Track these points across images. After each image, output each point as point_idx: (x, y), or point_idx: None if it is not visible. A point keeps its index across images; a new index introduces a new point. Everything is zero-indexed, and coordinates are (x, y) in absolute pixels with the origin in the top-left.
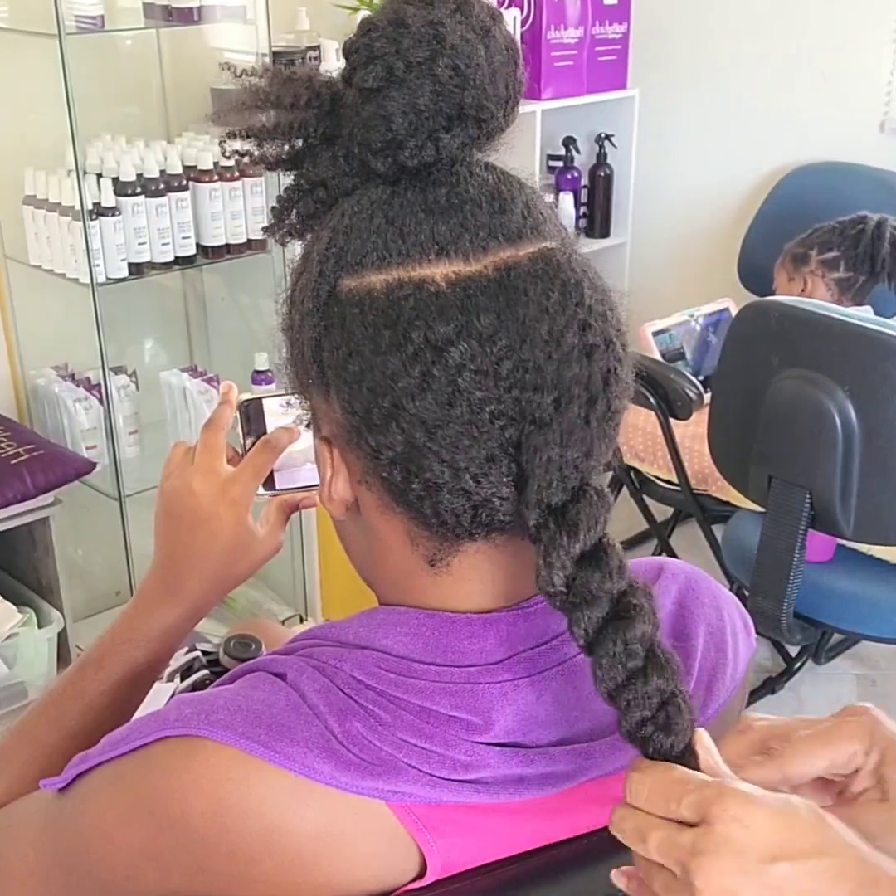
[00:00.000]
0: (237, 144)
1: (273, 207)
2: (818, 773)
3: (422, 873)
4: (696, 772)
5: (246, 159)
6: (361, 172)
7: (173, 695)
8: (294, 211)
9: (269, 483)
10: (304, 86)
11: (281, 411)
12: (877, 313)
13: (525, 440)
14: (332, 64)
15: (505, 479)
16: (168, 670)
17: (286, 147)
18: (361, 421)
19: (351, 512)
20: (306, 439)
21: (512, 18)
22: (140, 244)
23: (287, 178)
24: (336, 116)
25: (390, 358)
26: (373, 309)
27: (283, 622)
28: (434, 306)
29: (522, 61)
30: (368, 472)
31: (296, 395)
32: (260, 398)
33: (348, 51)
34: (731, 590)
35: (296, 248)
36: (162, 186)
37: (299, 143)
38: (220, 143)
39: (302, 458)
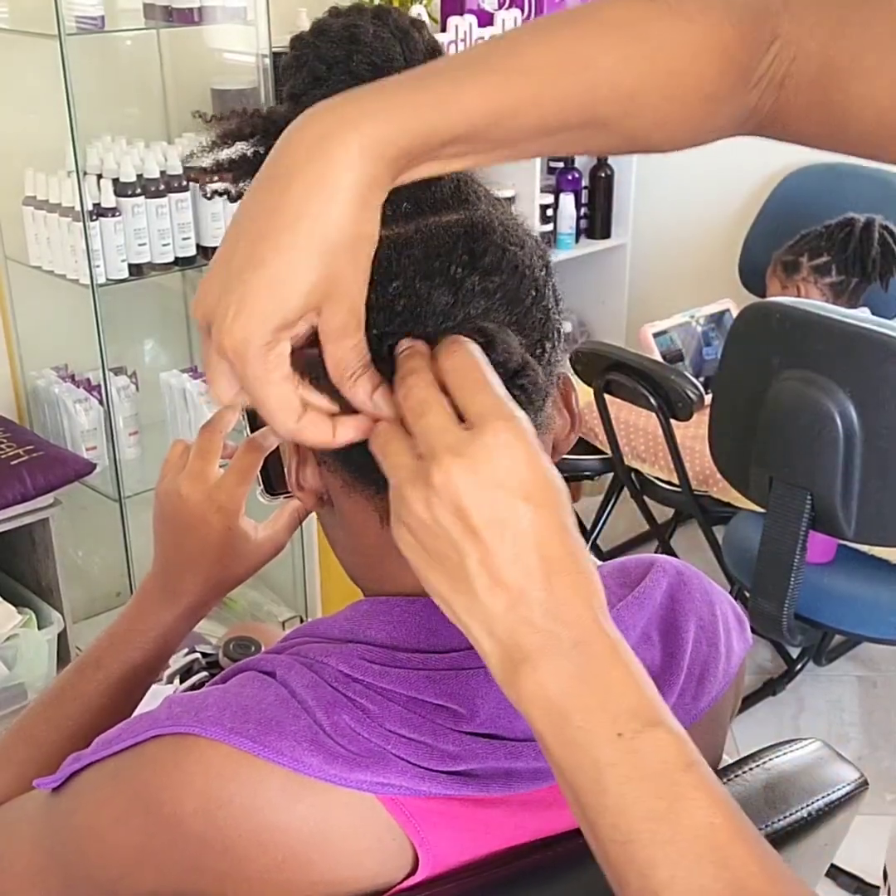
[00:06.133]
0: (217, 185)
1: None
2: None
3: (415, 869)
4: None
5: (224, 196)
6: None
7: None
8: None
9: (280, 485)
10: (260, 117)
11: None
12: (876, 315)
13: None
14: None
15: None
16: (167, 672)
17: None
18: None
19: (327, 505)
20: None
21: (513, 19)
22: (140, 245)
23: None
24: None
25: None
26: None
27: (283, 623)
28: None
29: None
30: (324, 452)
31: None
32: None
33: (283, 69)
34: (731, 591)
35: None
36: (162, 187)
37: None
38: (200, 189)
39: None
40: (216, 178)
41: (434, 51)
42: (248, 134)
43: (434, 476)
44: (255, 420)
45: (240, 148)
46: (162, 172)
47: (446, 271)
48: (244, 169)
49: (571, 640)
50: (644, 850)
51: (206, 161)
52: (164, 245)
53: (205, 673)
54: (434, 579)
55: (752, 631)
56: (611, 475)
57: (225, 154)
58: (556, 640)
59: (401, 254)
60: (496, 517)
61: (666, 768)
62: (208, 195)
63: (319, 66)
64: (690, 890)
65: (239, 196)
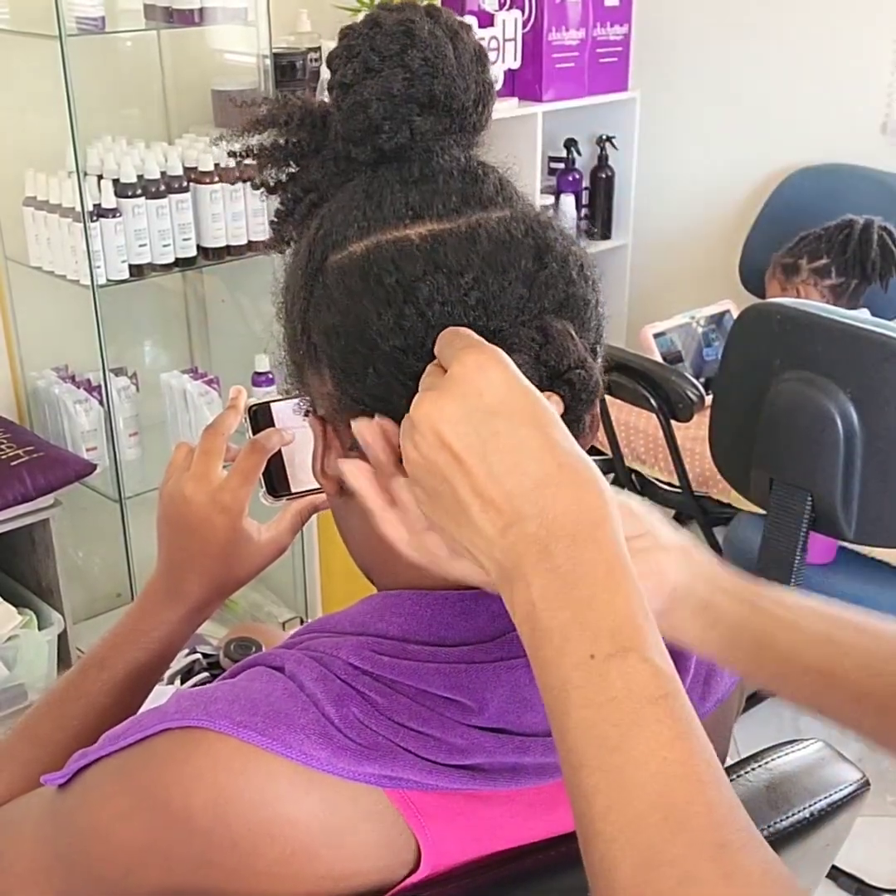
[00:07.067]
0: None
1: (272, 222)
2: None
3: (417, 866)
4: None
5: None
6: (348, 169)
7: None
8: (290, 221)
9: (283, 487)
10: (297, 107)
11: (290, 415)
12: (876, 315)
13: None
14: None
15: None
16: (168, 672)
17: (284, 171)
18: (343, 374)
19: (347, 494)
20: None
21: (513, 20)
22: (141, 246)
23: None
24: (325, 128)
25: (364, 302)
26: (351, 269)
27: (283, 624)
28: (406, 255)
29: (490, 71)
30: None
31: (294, 386)
32: (268, 402)
33: (331, 59)
34: None
35: None
36: (162, 188)
37: (294, 167)
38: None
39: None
40: (254, 166)
41: (480, 54)
42: (284, 122)
43: (413, 414)
44: (257, 422)
45: (271, 135)
46: (162, 173)
47: (518, 265)
48: (276, 156)
49: (564, 555)
50: (591, 776)
51: (236, 146)
52: (165, 246)
53: (206, 673)
54: (443, 521)
55: None
56: (611, 476)
57: (256, 140)
58: (548, 556)
59: (467, 248)
60: (475, 438)
61: (630, 696)
62: (243, 178)
63: (373, 57)
64: (626, 821)
65: (263, 184)
